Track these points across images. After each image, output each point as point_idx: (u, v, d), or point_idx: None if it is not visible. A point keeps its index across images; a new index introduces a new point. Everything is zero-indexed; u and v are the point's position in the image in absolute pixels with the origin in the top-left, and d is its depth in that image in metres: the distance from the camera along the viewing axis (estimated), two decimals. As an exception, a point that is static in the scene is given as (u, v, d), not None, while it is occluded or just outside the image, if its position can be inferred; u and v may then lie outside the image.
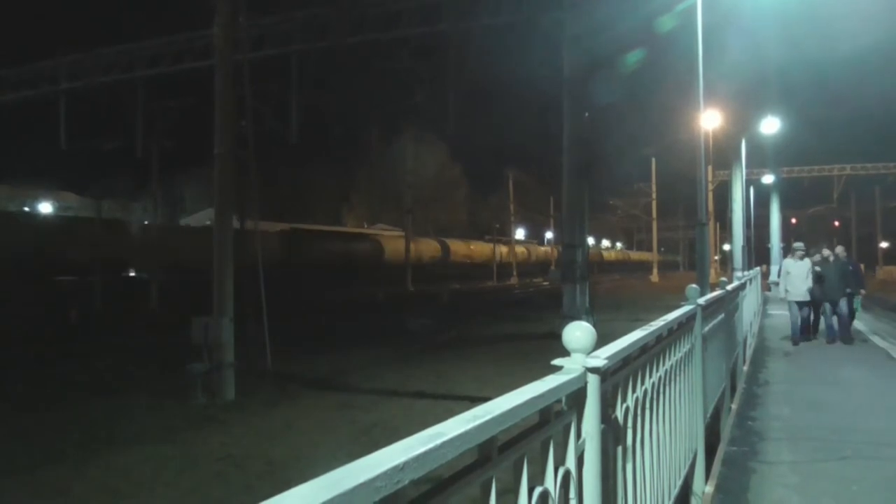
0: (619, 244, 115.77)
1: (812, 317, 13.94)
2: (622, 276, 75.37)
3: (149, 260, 29.48)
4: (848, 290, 13.13)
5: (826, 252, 14.07)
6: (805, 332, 13.53)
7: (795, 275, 13.43)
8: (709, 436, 5.25)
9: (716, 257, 47.65)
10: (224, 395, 10.93)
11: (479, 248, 63.35)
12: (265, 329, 12.46)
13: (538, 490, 1.70)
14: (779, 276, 15.84)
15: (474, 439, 1.33)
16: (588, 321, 2.30)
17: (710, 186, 39.44)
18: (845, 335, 13.11)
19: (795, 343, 13.04)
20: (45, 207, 46.35)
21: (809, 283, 13.28)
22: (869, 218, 73.96)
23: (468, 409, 1.42)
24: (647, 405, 3.03)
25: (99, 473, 7.11)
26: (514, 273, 64.21)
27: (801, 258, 13.63)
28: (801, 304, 13.37)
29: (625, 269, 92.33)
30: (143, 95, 15.93)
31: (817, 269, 13.52)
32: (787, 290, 13.61)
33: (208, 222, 24.93)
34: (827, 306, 13.35)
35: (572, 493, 1.96)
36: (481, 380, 11.53)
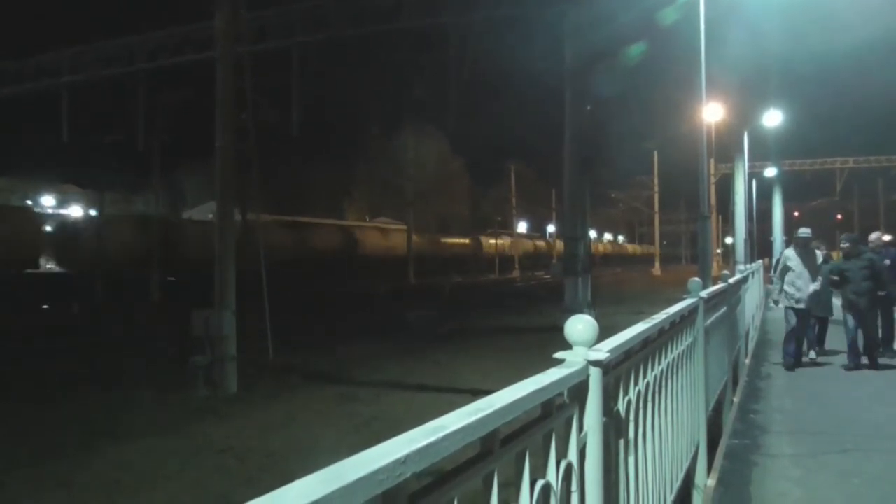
0: (620, 237, 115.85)
1: (817, 329, 10.67)
2: (623, 269, 75.36)
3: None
4: (882, 294, 9.67)
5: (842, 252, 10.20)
6: (810, 346, 10.28)
7: (798, 271, 10.03)
8: (711, 429, 5.25)
9: (718, 250, 47.59)
10: (226, 388, 10.95)
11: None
12: (267, 322, 12.48)
13: (540, 483, 1.70)
14: (775, 270, 12.80)
15: (476, 432, 1.32)
16: (590, 314, 2.29)
17: (713, 180, 39.40)
18: (880, 356, 9.73)
19: (789, 368, 9.75)
20: (48, 201, 46.38)
21: (817, 283, 9.86)
22: (872, 211, 73.83)
23: (470, 402, 1.41)
24: (650, 398, 3.02)
25: (100, 466, 7.12)
26: (516, 266, 64.27)
27: (805, 247, 10.21)
28: (800, 313, 9.95)
29: (622, 262, 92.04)
30: (144, 88, 15.88)
31: (834, 264, 10.17)
32: (785, 292, 10.10)
33: (210, 216, 24.95)
34: (849, 318, 9.61)
35: (574, 487, 1.96)
36: (483, 372, 11.53)
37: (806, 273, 9.94)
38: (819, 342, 10.75)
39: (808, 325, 10.17)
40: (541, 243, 77.97)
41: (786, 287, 10.07)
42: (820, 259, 10.31)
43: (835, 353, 10.21)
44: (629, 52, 15.48)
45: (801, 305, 9.88)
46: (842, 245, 10.03)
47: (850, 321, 9.55)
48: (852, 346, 9.54)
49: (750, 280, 12.56)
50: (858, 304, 9.45)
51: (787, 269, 10.15)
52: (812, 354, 10.42)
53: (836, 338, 10.45)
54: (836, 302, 10.60)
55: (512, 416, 1.48)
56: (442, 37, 13.23)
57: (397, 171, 53.29)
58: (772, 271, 23.08)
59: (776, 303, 10.57)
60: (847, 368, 9.44)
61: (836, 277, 9.75)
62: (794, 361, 9.81)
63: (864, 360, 9.51)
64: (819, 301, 10.14)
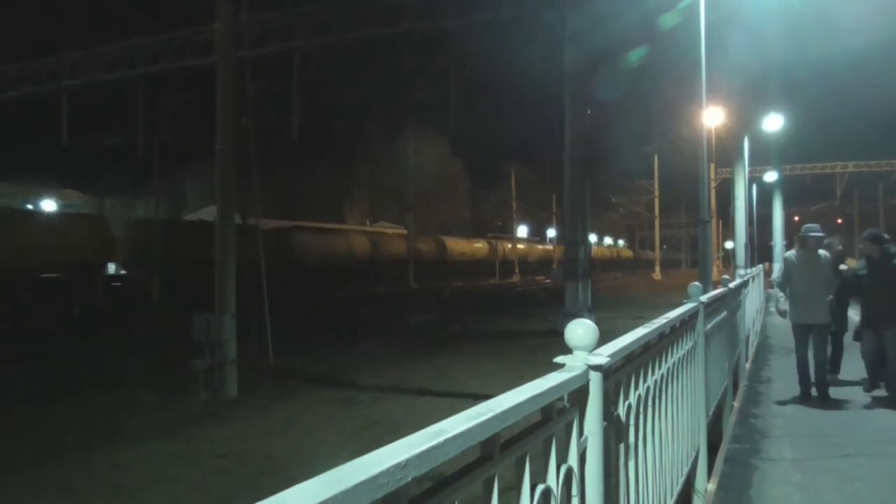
0: (621, 241, 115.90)
1: (830, 349, 8.59)
2: (624, 273, 75.29)
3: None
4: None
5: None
6: (822, 379, 8.00)
7: (805, 278, 8.09)
8: (711, 433, 5.25)
9: (718, 255, 47.58)
10: (226, 391, 10.94)
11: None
12: (267, 325, 12.48)
13: (540, 488, 1.70)
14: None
15: (476, 437, 1.33)
16: (590, 319, 2.30)
17: (713, 184, 39.40)
18: None
19: (805, 398, 8.01)
20: (49, 205, 46.38)
21: (829, 291, 8.14)
22: (872, 215, 73.80)
23: (470, 406, 1.41)
24: (650, 403, 3.02)
25: (101, 469, 7.12)
26: (516, 270, 64.28)
27: (813, 249, 8.15)
28: (812, 330, 8.09)
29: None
30: (144, 92, 15.89)
31: (844, 268, 8.53)
32: (791, 302, 8.27)
33: (211, 218, 25.05)
34: (868, 338, 7.92)
35: (574, 491, 1.96)
36: (483, 377, 11.53)
37: (816, 279, 8.07)
38: (832, 365, 8.79)
39: (822, 342, 8.14)
40: (549, 247, 78.08)
41: (791, 297, 8.28)
42: (825, 259, 8.22)
43: (851, 383, 8.61)
44: (629, 56, 15.50)
45: (810, 320, 8.10)
46: (862, 245, 8.32)
47: (867, 344, 7.92)
48: (871, 373, 8.00)
49: (750, 284, 12.56)
50: (882, 320, 7.65)
51: (789, 274, 8.31)
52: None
53: (853, 363, 8.83)
54: (854, 317, 9.03)
55: (512, 420, 1.48)
56: (443, 40, 13.26)
57: (398, 175, 53.32)
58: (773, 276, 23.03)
59: (784, 314, 8.60)
60: (866, 389, 8.08)
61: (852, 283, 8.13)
62: (808, 390, 8.07)
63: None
64: (831, 312, 8.26)
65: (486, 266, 60.59)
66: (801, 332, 8.22)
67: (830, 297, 8.21)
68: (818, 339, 8.09)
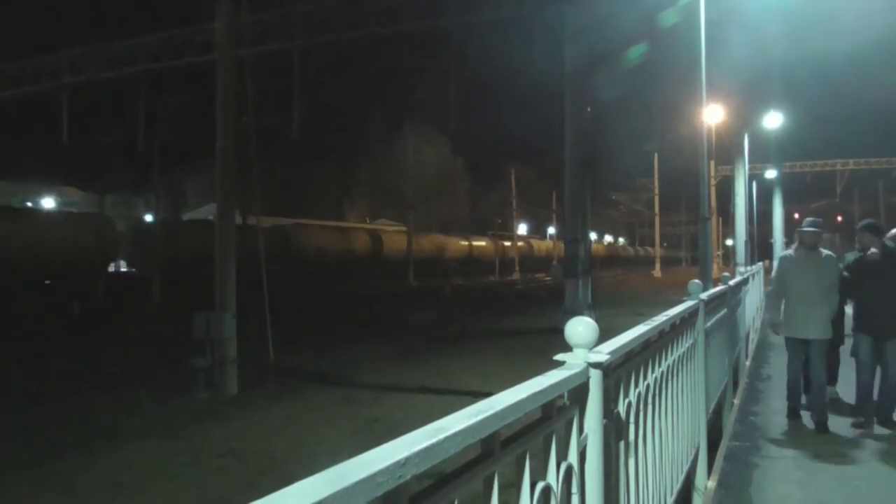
0: (621, 239, 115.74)
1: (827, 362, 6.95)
2: (624, 270, 75.34)
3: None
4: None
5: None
6: (820, 407, 6.62)
7: (801, 282, 6.76)
8: (711, 431, 5.25)
9: (718, 252, 47.54)
10: (226, 390, 10.94)
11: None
12: (267, 323, 12.48)
13: (540, 485, 1.70)
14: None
15: (477, 434, 1.33)
16: (590, 316, 2.30)
17: (713, 182, 39.36)
18: None
19: (794, 414, 6.94)
20: (48, 202, 46.40)
21: (833, 301, 6.73)
22: (873, 213, 73.69)
23: (470, 404, 1.41)
24: (650, 400, 3.02)
25: (102, 467, 7.12)
26: (517, 268, 64.28)
27: (813, 248, 6.80)
28: (809, 346, 6.79)
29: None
30: (145, 90, 15.90)
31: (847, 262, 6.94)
32: (785, 310, 6.90)
33: (210, 217, 25.05)
34: (865, 346, 6.63)
35: (574, 489, 1.96)
36: (483, 375, 11.53)
37: (816, 285, 6.71)
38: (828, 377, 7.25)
39: (820, 360, 6.74)
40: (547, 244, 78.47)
41: (785, 308, 6.93)
42: (828, 260, 6.84)
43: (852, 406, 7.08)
44: (629, 55, 15.50)
45: (806, 334, 6.77)
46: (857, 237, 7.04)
47: (864, 352, 6.63)
48: (863, 390, 6.63)
49: (750, 282, 12.54)
50: (885, 327, 6.48)
51: (781, 278, 6.99)
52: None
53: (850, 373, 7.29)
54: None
55: (512, 417, 1.48)
56: (443, 40, 13.26)
57: (398, 173, 53.27)
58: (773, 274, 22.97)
59: (775, 328, 7.28)
60: (854, 425, 6.54)
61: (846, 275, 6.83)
62: (800, 410, 6.96)
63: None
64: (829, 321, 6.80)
65: (487, 264, 60.82)
66: (795, 347, 6.93)
67: (833, 307, 6.76)
68: (816, 358, 6.73)
